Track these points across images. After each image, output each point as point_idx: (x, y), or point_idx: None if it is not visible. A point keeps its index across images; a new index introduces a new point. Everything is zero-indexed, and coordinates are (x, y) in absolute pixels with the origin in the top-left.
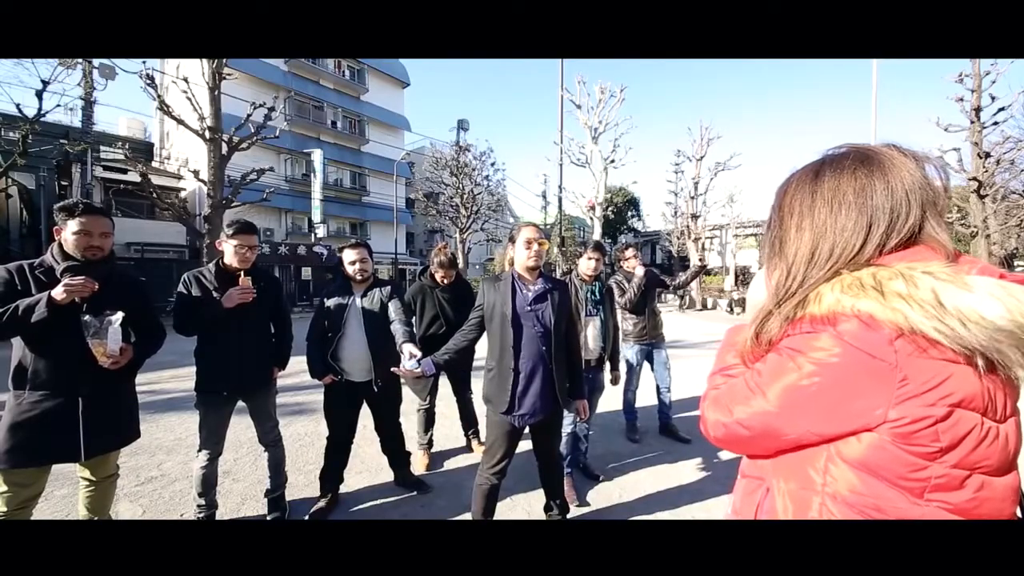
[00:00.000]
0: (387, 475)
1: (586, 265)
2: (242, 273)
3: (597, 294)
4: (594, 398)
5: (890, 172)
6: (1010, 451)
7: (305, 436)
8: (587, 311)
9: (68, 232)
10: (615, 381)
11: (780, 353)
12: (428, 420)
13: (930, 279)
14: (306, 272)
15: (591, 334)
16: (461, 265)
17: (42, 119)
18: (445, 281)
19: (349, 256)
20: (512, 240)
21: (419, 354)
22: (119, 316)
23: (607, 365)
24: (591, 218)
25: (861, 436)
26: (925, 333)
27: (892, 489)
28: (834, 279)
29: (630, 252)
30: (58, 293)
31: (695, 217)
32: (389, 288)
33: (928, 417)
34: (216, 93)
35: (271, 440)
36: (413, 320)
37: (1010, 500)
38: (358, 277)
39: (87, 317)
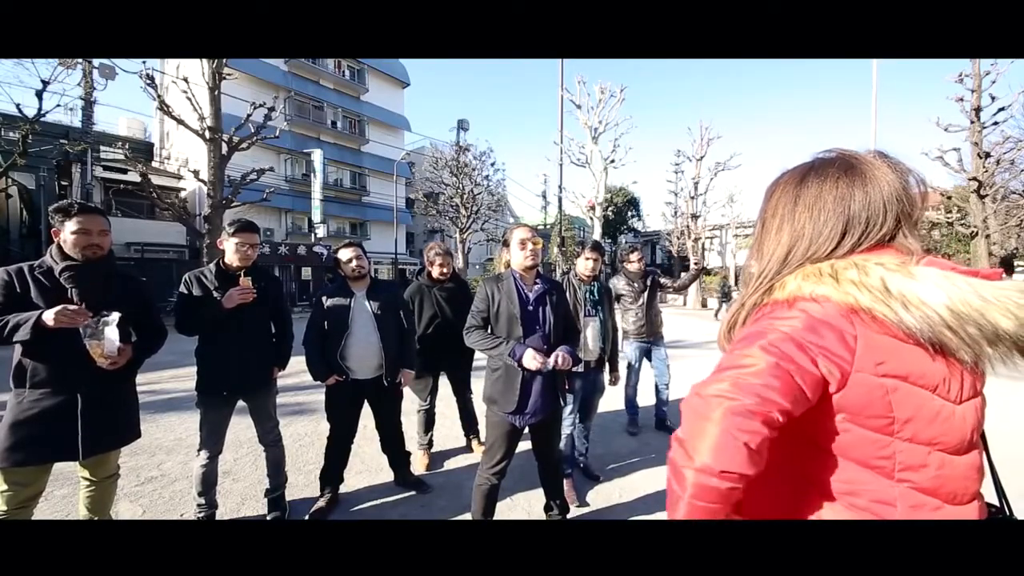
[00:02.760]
0: (387, 475)
1: (584, 265)
2: (242, 273)
3: (596, 294)
4: (594, 399)
5: (871, 183)
6: (967, 431)
7: (305, 436)
8: (586, 311)
9: (66, 232)
10: (614, 382)
11: (749, 328)
12: (428, 421)
13: (880, 269)
14: (306, 272)
15: (590, 335)
16: (461, 265)
17: (42, 119)
18: (444, 272)
19: (346, 254)
20: (506, 243)
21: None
22: (115, 317)
23: (607, 366)
24: (591, 218)
25: (826, 420)
26: (873, 314)
27: (865, 471)
28: (797, 270)
29: (635, 256)
30: (48, 318)
31: (695, 217)
32: (396, 295)
33: (879, 387)
34: (216, 93)
35: (271, 440)
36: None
37: (972, 479)
38: (357, 273)
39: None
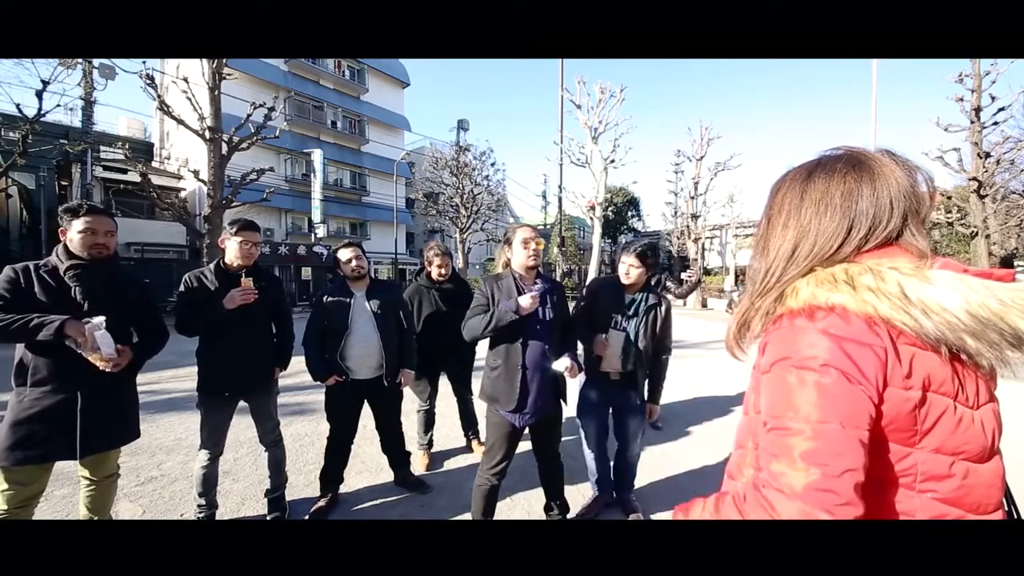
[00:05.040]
0: (387, 475)
1: (622, 271)
2: (243, 274)
3: (636, 308)
4: (628, 419)
5: (878, 179)
6: (988, 437)
7: (305, 436)
8: (615, 323)
9: (73, 232)
10: (652, 418)
11: (776, 376)
12: (428, 421)
13: (896, 274)
14: (306, 272)
15: (611, 350)
16: (461, 265)
17: (42, 119)
18: (443, 272)
19: (345, 255)
20: (508, 242)
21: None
22: (100, 320)
23: (640, 386)
24: (591, 218)
25: None
26: (892, 323)
27: (887, 483)
28: (809, 275)
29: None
30: (71, 328)
31: (695, 217)
32: (396, 295)
33: (907, 401)
34: (216, 93)
35: (272, 440)
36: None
37: (996, 487)
38: (356, 273)
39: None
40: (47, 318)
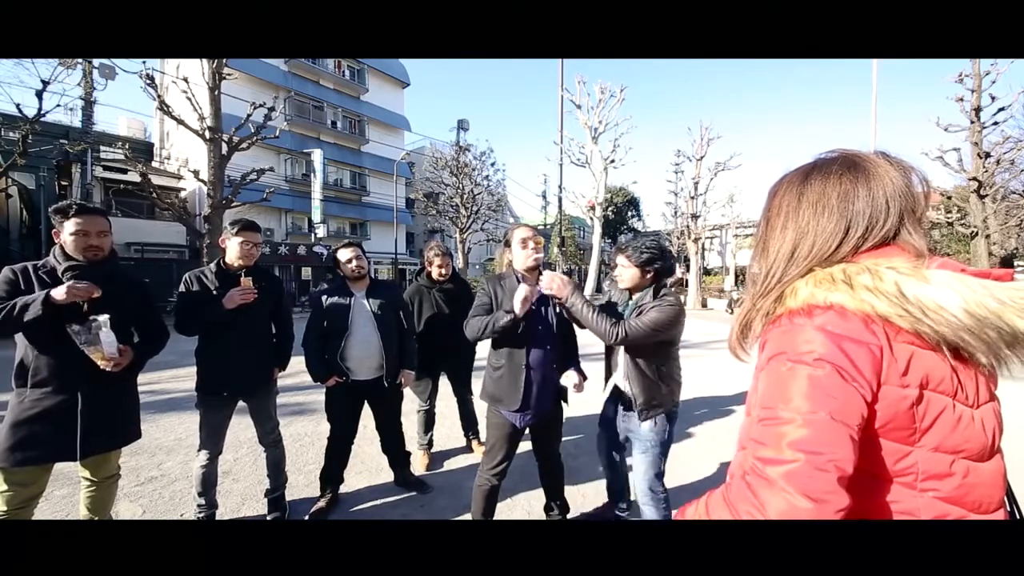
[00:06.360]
0: (387, 475)
1: (616, 274)
2: (243, 273)
3: (630, 315)
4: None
5: (874, 180)
6: (988, 436)
7: (305, 436)
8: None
9: (66, 234)
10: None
11: (771, 369)
12: (428, 421)
13: (893, 273)
14: (306, 272)
15: (617, 366)
16: (461, 265)
17: (42, 119)
18: (444, 272)
19: (345, 255)
20: (507, 244)
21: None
22: (105, 318)
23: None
24: (591, 218)
25: None
26: (890, 320)
27: (888, 482)
28: (808, 275)
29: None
30: (58, 293)
31: (695, 217)
32: (396, 295)
33: (904, 399)
34: (216, 93)
35: (271, 440)
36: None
37: (998, 486)
38: (356, 273)
39: (75, 326)
40: (28, 297)
